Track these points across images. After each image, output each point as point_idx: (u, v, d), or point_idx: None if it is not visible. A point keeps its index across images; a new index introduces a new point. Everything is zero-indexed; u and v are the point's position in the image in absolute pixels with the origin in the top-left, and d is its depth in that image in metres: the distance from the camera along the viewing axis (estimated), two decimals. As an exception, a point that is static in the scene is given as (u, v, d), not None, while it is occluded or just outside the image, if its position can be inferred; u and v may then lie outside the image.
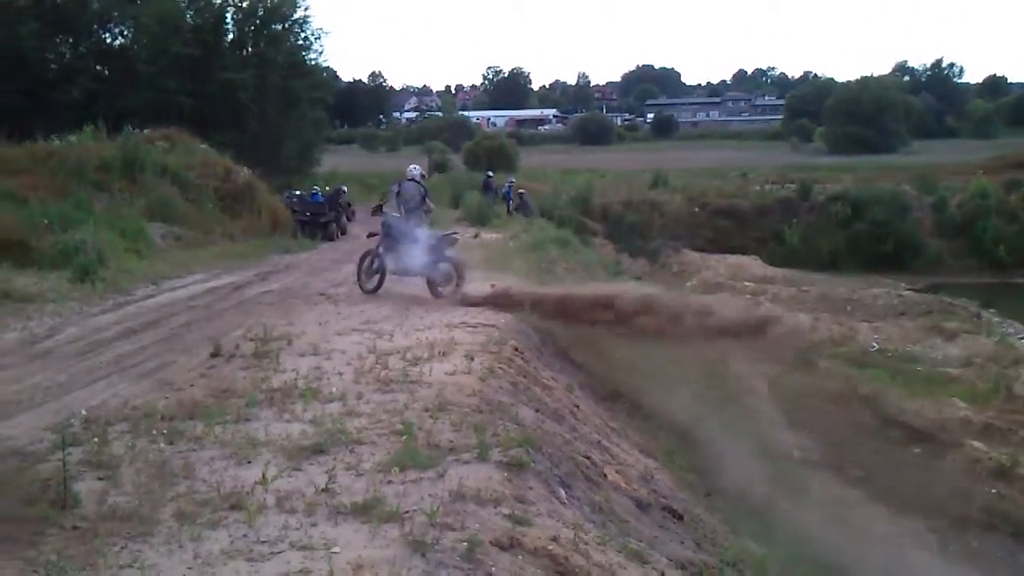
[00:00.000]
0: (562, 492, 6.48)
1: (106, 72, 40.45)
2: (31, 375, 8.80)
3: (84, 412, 7.21)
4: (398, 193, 14.82)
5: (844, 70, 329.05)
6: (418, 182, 15.14)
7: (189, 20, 39.17)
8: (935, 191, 41.54)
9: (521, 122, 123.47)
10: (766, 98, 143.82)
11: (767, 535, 9.85)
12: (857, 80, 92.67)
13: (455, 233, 15.12)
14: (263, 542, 4.85)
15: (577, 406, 9.91)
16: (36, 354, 9.82)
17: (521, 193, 36.16)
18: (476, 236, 23.95)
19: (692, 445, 11.75)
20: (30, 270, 14.14)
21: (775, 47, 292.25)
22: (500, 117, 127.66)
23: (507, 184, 35.63)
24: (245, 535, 4.93)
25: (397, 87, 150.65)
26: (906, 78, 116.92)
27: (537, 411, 8.40)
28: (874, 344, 28.25)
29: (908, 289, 32.85)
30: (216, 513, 5.21)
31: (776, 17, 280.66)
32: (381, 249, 14.27)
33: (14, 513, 5.13)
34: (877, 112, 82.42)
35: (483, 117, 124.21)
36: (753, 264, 37.39)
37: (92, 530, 4.93)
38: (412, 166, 15.94)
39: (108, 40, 42.37)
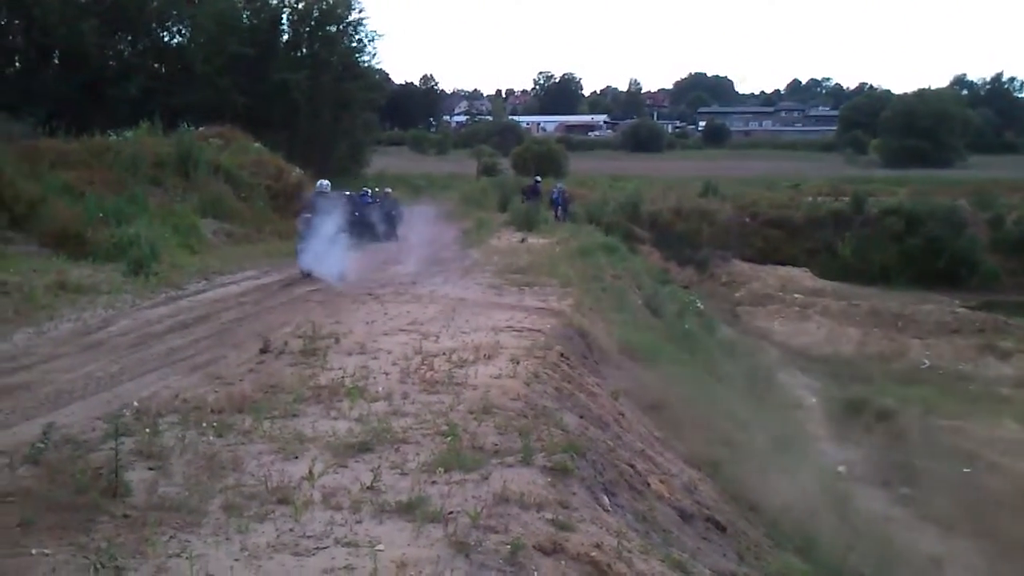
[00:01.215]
0: (606, 499, 6.45)
1: (163, 70, 41.15)
2: (84, 365, 8.97)
3: (136, 403, 7.32)
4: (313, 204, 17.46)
5: (901, 82, 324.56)
6: (325, 194, 17.81)
7: (245, 20, 39.74)
8: (992, 207, 40.78)
9: (571, 127, 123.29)
10: (820, 109, 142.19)
11: (810, 550, 9.72)
12: (914, 92, 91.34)
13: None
14: (309, 537, 4.88)
15: (622, 414, 9.85)
16: (89, 345, 10.00)
17: (562, 191, 36.01)
18: (523, 241, 23.92)
19: (737, 457, 11.60)
20: (85, 262, 14.41)
21: (831, 57, 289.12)
22: (550, 122, 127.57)
23: (555, 189, 35.53)
24: (291, 529, 4.98)
25: (448, 91, 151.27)
26: (964, 91, 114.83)
27: (581, 417, 8.36)
28: (925, 361, 27.82)
29: (962, 306, 32.24)
30: (263, 506, 5.26)
31: (832, 28, 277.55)
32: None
33: (66, 500, 5.21)
34: (934, 125, 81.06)
35: (533, 122, 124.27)
36: (803, 276, 37.00)
37: (142, 519, 5.00)
38: (320, 181, 18.64)
39: (166, 38, 43.10)
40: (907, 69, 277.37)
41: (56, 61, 39.02)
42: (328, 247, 16.16)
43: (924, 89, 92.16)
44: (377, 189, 29.79)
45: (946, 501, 17.41)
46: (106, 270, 14.13)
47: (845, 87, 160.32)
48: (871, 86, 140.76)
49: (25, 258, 13.47)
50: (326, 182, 18.52)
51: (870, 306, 32.53)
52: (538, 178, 37.24)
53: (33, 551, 4.57)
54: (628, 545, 5.46)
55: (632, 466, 7.78)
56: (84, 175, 17.94)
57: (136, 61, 40.10)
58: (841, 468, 18.77)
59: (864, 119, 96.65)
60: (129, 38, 41.17)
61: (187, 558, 4.52)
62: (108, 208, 16.55)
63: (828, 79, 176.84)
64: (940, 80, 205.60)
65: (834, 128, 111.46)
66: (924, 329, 30.35)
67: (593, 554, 5.04)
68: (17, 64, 40.08)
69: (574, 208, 35.44)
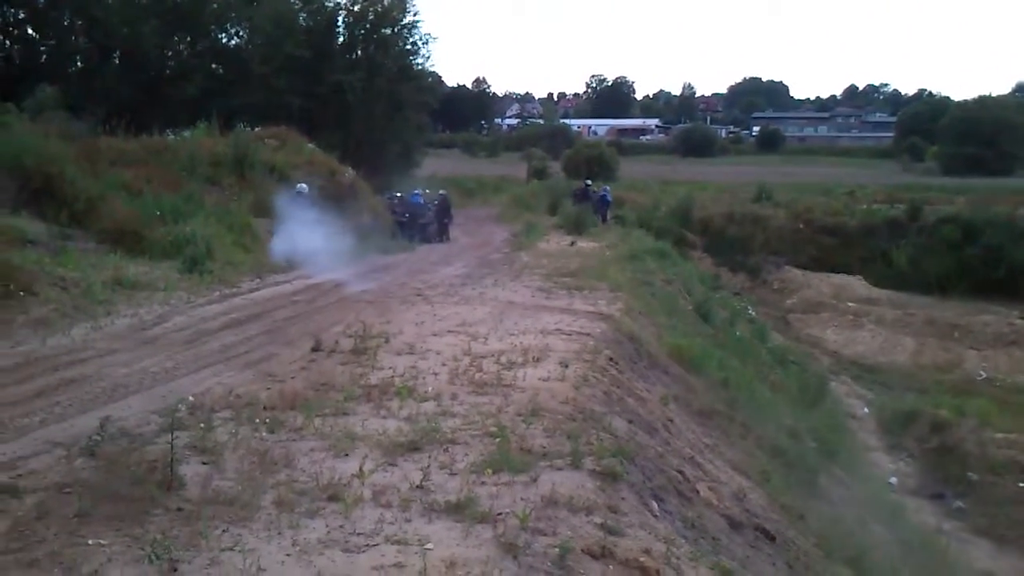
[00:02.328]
0: (654, 505, 6.41)
1: (220, 71, 41.72)
2: (140, 360, 9.12)
3: (190, 398, 7.44)
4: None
5: (960, 88, 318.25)
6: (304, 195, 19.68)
7: (302, 22, 40.09)
8: (1054, 216, 39.71)
9: (623, 131, 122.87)
10: (877, 115, 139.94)
11: (861, 563, 9.58)
12: (975, 99, 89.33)
13: None
14: (359, 534, 4.92)
15: (671, 419, 9.78)
16: (145, 340, 10.17)
17: (606, 189, 35.86)
18: (572, 244, 23.89)
19: (787, 465, 11.47)
20: (142, 259, 14.63)
21: (888, 63, 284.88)
22: (601, 126, 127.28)
23: (602, 191, 35.41)
24: (342, 526, 5.02)
25: (500, 94, 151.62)
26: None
27: (630, 422, 8.32)
28: (981, 372, 27.27)
29: (1020, 317, 31.46)
30: (314, 503, 5.31)
31: (890, 33, 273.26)
32: None
33: (122, 492, 5.31)
34: (995, 133, 79.29)
35: (584, 125, 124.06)
36: (857, 284, 36.43)
37: (195, 512, 5.08)
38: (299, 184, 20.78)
39: (224, 40, 43.72)
40: (967, 75, 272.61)
41: (116, 61, 39.82)
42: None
43: (985, 96, 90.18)
44: (427, 191, 29.97)
45: (1000, 515, 17.06)
46: (162, 267, 14.35)
47: (903, 93, 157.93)
48: (930, 92, 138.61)
49: (83, 254, 13.69)
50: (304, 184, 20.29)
51: (926, 316, 31.95)
52: (588, 181, 37.14)
53: (90, 541, 4.66)
54: (677, 551, 5.43)
55: (681, 472, 7.72)
56: (142, 174, 18.20)
57: (194, 62, 40.75)
58: (893, 479, 18.49)
59: (922, 126, 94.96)
60: (188, 39, 41.84)
61: (240, 552, 4.58)
62: (165, 206, 16.80)
63: (886, 85, 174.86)
64: (1001, 87, 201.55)
65: (891, 135, 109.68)
66: (981, 340, 29.74)
67: (642, 559, 5.02)
68: (79, 64, 41.00)
69: (610, 211, 35.18)
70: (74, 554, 4.52)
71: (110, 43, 38.77)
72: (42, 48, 40.66)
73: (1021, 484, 18.16)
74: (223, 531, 4.88)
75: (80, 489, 5.24)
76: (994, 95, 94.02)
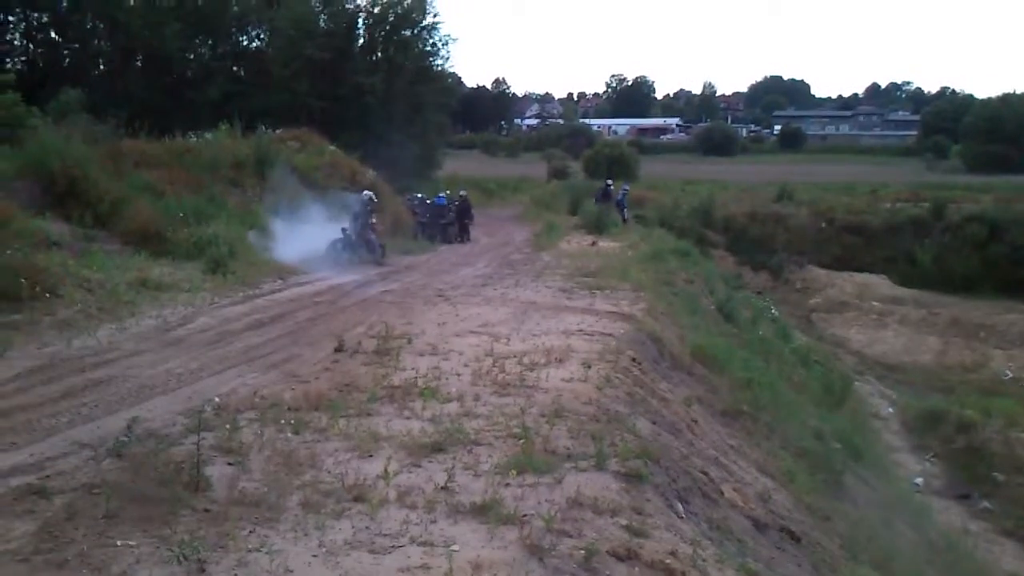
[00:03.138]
0: (679, 507, 6.39)
1: (242, 73, 41.96)
2: (165, 361, 9.17)
3: (216, 399, 7.47)
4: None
5: (984, 86, 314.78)
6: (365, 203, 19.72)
7: (322, 25, 40.24)
8: (1079, 214, 39.27)
9: (643, 131, 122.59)
10: (900, 113, 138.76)
11: (887, 564, 9.50)
12: (999, 96, 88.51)
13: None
14: (385, 535, 4.93)
15: (695, 420, 9.74)
16: (170, 341, 10.23)
17: (624, 190, 35.69)
18: (594, 244, 23.83)
19: (812, 466, 11.39)
20: (165, 260, 14.72)
21: (911, 61, 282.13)
22: (622, 125, 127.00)
23: (622, 192, 35.29)
24: (367, 527, 5.03)
25: (520, 94, 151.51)
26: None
27: (654, 423, 8.29)
28: (1008, 372, 27.00)
29: (1047, 316, 31.14)
30: (340, 504, 5.33)
31: (913, 31, 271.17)
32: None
33: (149, 493, 5.34)
34: (1019, 130, 78.57)
35: (604, 125, 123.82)
36: (881, 284, 36.15)
37: (223, 513, 5.11)
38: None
39: (245, 43, 43.97)
40: (991, 73, 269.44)
41: (139, 64, 40.12)
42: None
43: (1009, 93, 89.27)
44: (448, 192, 29.97)
45: (1027, 517, 16.89)
46: (186, 268, 14.43)
47: (926, 91, 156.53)
48: (953, 90, 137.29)
49: (108, 256, 13.78)
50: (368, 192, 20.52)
51: (951, 315, 31.66)
52: (609, 181, 37.04)
53: (118, 542, 4.69)
54: (703, 553, 5.40)
55: (706, 474, 7.69)
56: (165, 175, 18.32)
57: (216, 65, 40.98)
58: (919, 480, 18.34)
59: (946, 124, 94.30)
60: (209, 42, 42.09)
61: (267, 553, 4.60)
62: (188, 208, 16.90)
63: (908, 83, 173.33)
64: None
65: (914, 133, 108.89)
66: (1007, 339, 29.45)
67: (668, 561, 5.00)
68: (102, 67, 41.32)
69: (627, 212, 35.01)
70: (103, 555, 4.55)
71: (132, 46, 39.08)
72: (65, 52, 41.02)
73: (1048, 485, 17.97)
74: (250, 532, 4.90)
75: (108, 490, 5.27)
76: (1018, 92, 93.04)
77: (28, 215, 13.58)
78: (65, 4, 40.13)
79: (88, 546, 4.64)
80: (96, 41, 41.20)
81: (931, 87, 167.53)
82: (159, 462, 5.84)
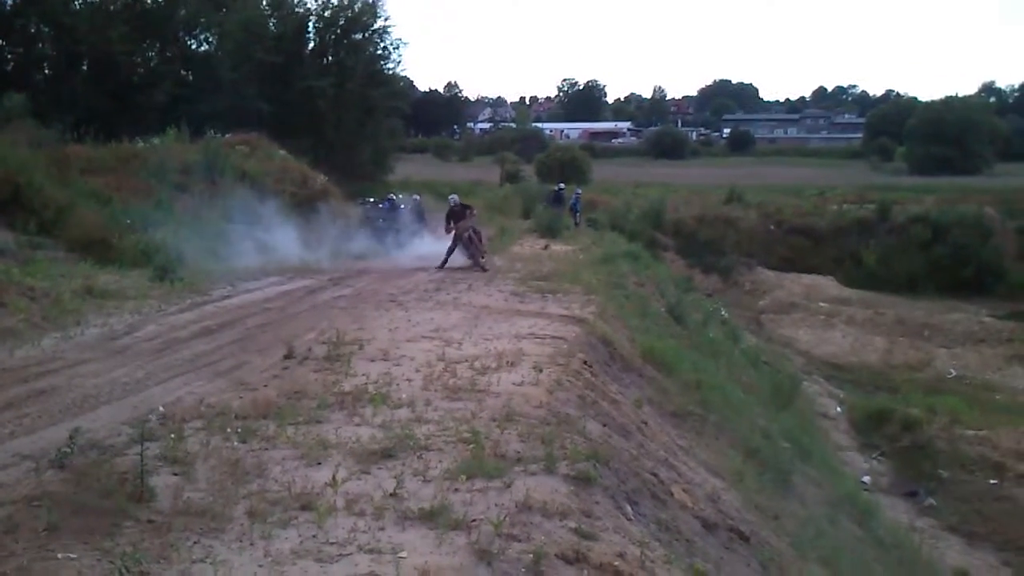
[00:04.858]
0: (628, 508, 6.43)
1: (190, 77, 41.40)
2: (110, 370, 9.03)
3: (161, 408, 7.38)
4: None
5: (928, 89, 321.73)
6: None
7: (272, 28, 39.93)
8: (1020, 215, 40.32)
9: (595, 135, 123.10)
10: (846, 116, 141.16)
11: (835, 561, 9.64)
12: (942, 99, 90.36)
13: None
14: (332, 543, 4.90)
15: (645, 422, 9.81)
16: (116, 350, 10.07)
17: (576, 193, 35.83)
18: (546, 248, 23.90)
19: (761, 466, 11.53)
20: (112, 268, 14.52)
21: (856, 65, 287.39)
22: (574, 129, 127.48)
23: (574, 196, 35.48)
24: (315, 536, 5.00)
25: (472, 98, 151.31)
26: (992, 99, 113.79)
27: (604, 425, 8.33)
28: (952, 371, 27.61)
29: (989, 315, 31.92)
30: (287, 512, 5.29)
31: (859, 35, 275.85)
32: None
33: (92, 505, 5.26)
34: (961, 133, 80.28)
35: (556, 129, 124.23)
36: (828, 285, 36.78)
37: (167, 524, 5.04)
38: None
39: (193, 46, 43.36)
40: (934, 76, 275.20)
41: (85, 68, 39.38)
42: None
43: (951, 96, 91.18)
44: (401, 195, 29.84)
45: (972, 512, 17.27)
46: (132, 276, 14.23)
47: (871, 94, 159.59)
48: (897, 93, 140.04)
49: (53, 263, 13.58)
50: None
51: (896, 315, 32.29)
52: (561, 185, 37.18)
53: (59, 555, 4.61)
54: (651, 555, 5.45)
55: (655, 475, 7.74)
56: (111, 181, 18.10)
57: (164, 68, 40.37)
58: (866, 478, 18.66)
59: (890, 127, 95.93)
60: (157, 46, 41.42)
61: (211, 563, 4.55)
62: (135, 214, 16.72)
63: (854, 86, 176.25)
64: (968, 87, 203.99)
65: (860, 135, 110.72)
66: (951, 338, 30.10)
67: (616, 563, 5.03)
68: (46, 71, 40.51)
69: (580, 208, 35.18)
70: (44, 568, 4.48)
71: (78, 50, 38.31)
72: (8, 55, 40.13)
73: (991, 481, 18.39)
74: (194, 543, 4.84)
75: (49, 502, 5.17)
76: (960, 95, 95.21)
77: (-31, 223, 13.32)
78: (9, 7, 39.32)
79: (28, 559, 4.55)
80: (40, 45, 40.32)
81: (876, 90, 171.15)
82: (102, 473, 5.75)
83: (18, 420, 7.17)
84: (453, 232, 19.48)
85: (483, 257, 19.36)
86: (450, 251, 19.33)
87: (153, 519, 5.12)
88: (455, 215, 19.67)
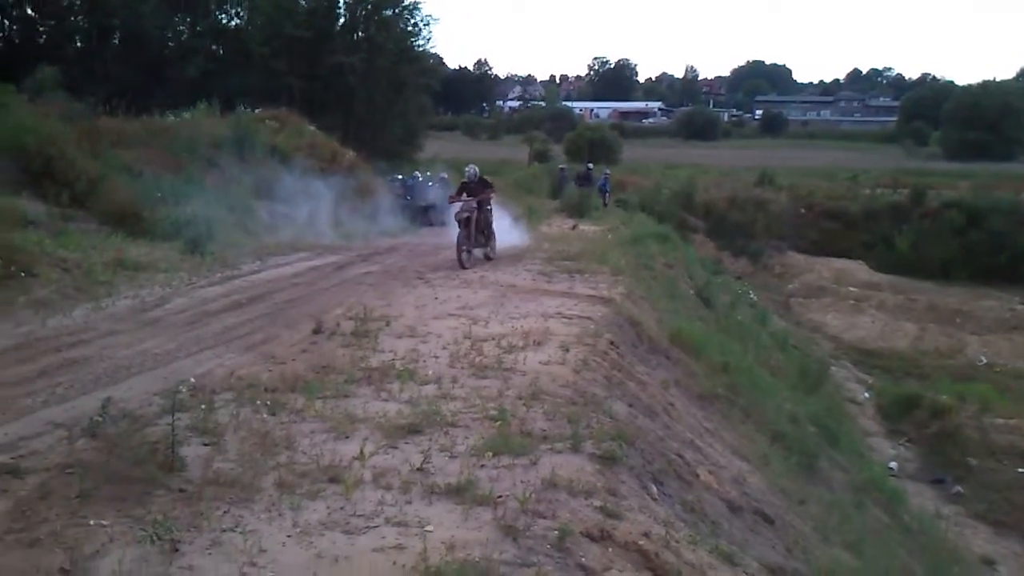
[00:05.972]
0: (654, 488, 6.42)
1: (221, 52, 41.58)
2: (141, 341, 9.10)
3: (192, 380, 7.43)
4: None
5: (964, 73, 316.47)
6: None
7: (303, 3, 39.91)
8: (1057, 202, 39.69)
9: (625, 114, 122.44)
10: (881, 99, 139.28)
11: (860, 547, 9.60)
12: (978, 84, 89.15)
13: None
14: (359, 516, 4.93)
15: (672, 404, 9.79)
16: (146, 322, 10.15)
17: (606, 174, 35.67)
18: (574, 227, 23.85)
19: (787, 450, 11.48)
20: (143, 240, 14.60)
21: (892, 47, 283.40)
22: (604, 108, 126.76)
23: (603, 176, 35.31)
24: (342, 508, 5.03)
25: (502, 76, 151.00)
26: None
27: (630, 406, 8.32)
28: (982, 358, 27.32)
29: (1022, 303, 31.48)
30: (315, 484, 5.33)
31: (894, 17, 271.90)
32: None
33: (123, 473, 5.32)
34: (998, 118, 79.16)
35: (586, 108, 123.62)
36: (859, 269, 36.44)
37: (197, 493, 5.10)
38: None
39: (224, 21, 43.56)
40: (971, 60, 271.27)
41: (117, 42, 39.68)
42: None
43: (988, 81, 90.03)
44: (429, 173, 29.86)
45: (999, 500, 17.13)
46: (163, 248, 14.32)
47: (907, 77, 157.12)
48: (933, 77, 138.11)
49: (85, 235, 13.67)
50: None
51: (927, 301, 31.96)
52: (590, 164, 37.03)
53: (91, 521, 4.68)
54: (676, 535, 5.45)
55: (681, 456, 7.73)
56: (143, 155, 18.18)
57: (195, 43, 40.61)
58: (893, 464, 18.55)
59: (926, 110, 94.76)
60: (188, 20, 41.70)
61: (241, 533, 4.61)
62: (165, 188, 16.78)
63: (889, 69, 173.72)
64: (1005, 72, 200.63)
65: (894, 119, 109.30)
66: (982, 326, 29.78)
67: (641, 542, 5.03)
68: (78, 45, 40.84)
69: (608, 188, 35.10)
70: (76, 534, 4.54)
71: (110, 23, 38.65)
72: (41, 28, 40.50)
73: (1020, 469, 18.22)
74: (224, 512, 4.90)
75: (82, 470, 5.25)
76: (998, 80, 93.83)
77: (4, 194, 13.45)
78: (42, -20, 39.68)
79: (61, 525, 4.62)
80: (73, 18, 40.67)
81: (912, 73, 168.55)
82: (134, 442, 5.81)
83: (51, 389, 7.26)
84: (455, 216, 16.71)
85: (487, 245, 17.18)
86: (459, 245, 16.15)
87: (184, 488, 5.18)
88: (469, 189, 17.01)
